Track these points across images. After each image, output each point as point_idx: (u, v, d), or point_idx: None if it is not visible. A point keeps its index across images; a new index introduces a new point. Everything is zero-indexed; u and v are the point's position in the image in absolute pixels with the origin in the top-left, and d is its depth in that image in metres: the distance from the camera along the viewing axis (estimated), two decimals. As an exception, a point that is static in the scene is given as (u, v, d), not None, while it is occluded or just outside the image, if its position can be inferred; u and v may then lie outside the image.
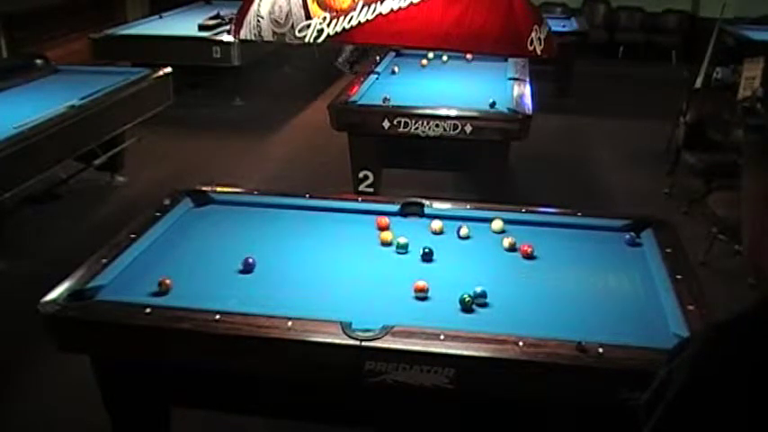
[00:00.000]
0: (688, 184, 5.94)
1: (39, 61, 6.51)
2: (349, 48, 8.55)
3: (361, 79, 5.78)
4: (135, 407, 2.78)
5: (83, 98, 5.11)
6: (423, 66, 6.43)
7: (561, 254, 3.05)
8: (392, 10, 3.58)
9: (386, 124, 4.89)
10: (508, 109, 4.98)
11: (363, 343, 2.34)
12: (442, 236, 3.19)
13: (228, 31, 7.33)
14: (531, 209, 3.41)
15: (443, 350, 2.32)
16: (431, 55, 6.52)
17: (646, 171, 6.56)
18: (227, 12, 8.14)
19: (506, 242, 3.09)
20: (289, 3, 3.70)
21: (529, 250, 3.02)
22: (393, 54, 6.59)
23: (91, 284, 2.63)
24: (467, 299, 2.58)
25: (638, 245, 3.10)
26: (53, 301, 2.53)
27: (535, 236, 3.14)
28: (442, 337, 2.35)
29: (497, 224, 3.23)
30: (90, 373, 2.72)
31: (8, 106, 5.03)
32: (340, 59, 9.12)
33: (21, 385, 3.68)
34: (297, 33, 3.71)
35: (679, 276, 2.75)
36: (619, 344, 2.32)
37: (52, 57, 7.03)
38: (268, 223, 3.30)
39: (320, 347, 2.37)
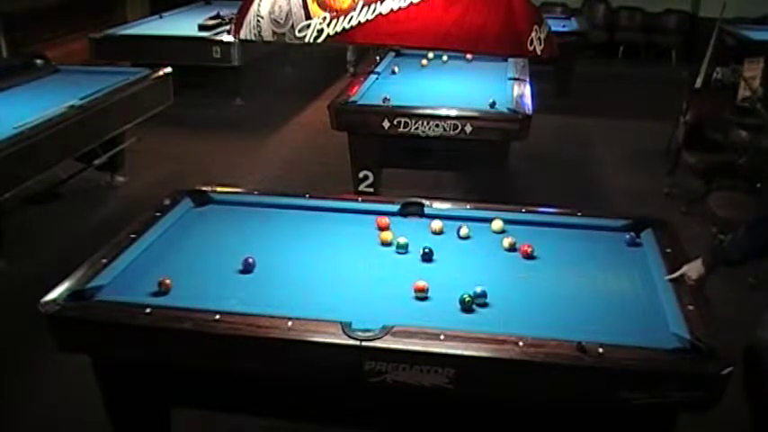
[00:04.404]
0: (688, 184, 5.94)
1: (39, 61, 6.50)
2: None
3: (361, 79, 5.78)
4: (135, 407, 2.79)
5: (83, 98, 5.11)
6: (423, 66, 6.43)
7: (561, 254, 3.05)
8: (392, 10, 3.58)
9: (386, 124, 4.89)
10: (508, 109, 4.98)
11: (363, 343, 2.34)
12: (442, 236, 3.19)
13: (228, 31, 7.33)
14: (531, 209, 3.41)
15: (443, 350, 2.32)
16: (431, 55, 6.52)
17: (646, 171, 6.56)
18: (227, 12, 8.14)
19: (506, 242, 3.09)
20: (289, 3, 3.69)
21: (529, 250, 3.02)
22: (393, 54, 6.59)
23: (91, 284, 2.63)
24: (467, 299, 2.58)
25: (638, 245, 3.10)
26: (53, 300, 2.54)
27: (535, 236, 3.14)
28: (441, 337, 2.35)
29: (497, 224, 3.23)
30: (90, 373, 2.72)
31: (8, 106, 5.03)
32: (348, 58, 9.27)
33: (21, 385, 3.68)
34: (297, 33, 3.71)
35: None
36: (619, 344, 2.32)
37: (52, 57, 7.02)
38: (268, 223, 3.31)
39: (320, 347, 2.37)
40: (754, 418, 2.99)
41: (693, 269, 2.70)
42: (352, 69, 9.32)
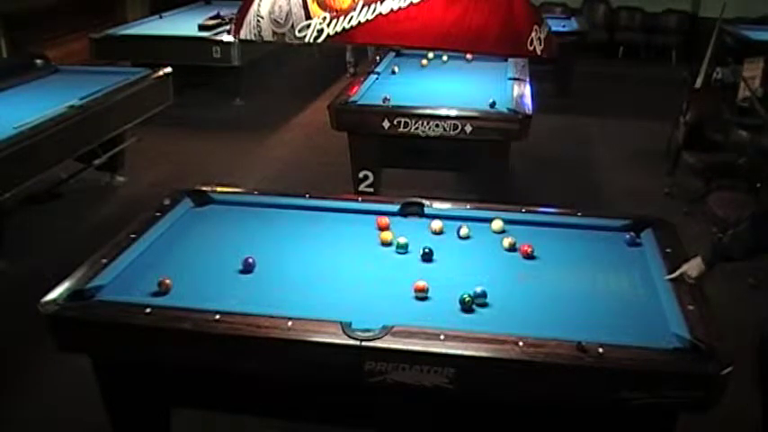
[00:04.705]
0: (688, 184, 5.94)
1: (39, 61, 6.50)
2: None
3: (362, 79, 5.78)
4: (135, 407, 2.79)
5: (83, 98, 5.11)
6: (423, 66, 6.43)
7: (561, 254, 3.05)
8: (392, 10, 3.57)
9: (386, 124, 4.89)
10: (508, 109, 4.98)
11: (363, 343, 2.34)
12: (441, 236, 3.19)
13: (228, 31, 7.33)
14: (531, 209, 3.41)
15: (443, 350, 2.32)
16: (431, 55, 6.52)
17: (646, 171, 6.56)
18: (227, 12, 8.14)
19: (506, 242, 3.09)
20: (289, 3, 3.69)
21: (529, 250, 3.02)
22: (393, 54, 6.59)
23: (91, 284, 2.63)
24: (467, 299, 2.58)
25: (638, 245, 3.10)
26: (53, 300, 2.54)
27: (535, 236, 3.14)
28: (442, 337, 2.35)
29: (497, 224, 3.23)
30: (90, 373, 2.72)
31: (8, 106, 5.03)
32: (348, 58, 9.29)
33: (21, 385, 3.68)
34: (297, 33, 3.71)
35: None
36: (619, 344, 2.32)
37: (52, 57, 7.03)
38: (268, 223, 3.31)
39: (320, 347, 2.37)
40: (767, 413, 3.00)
41: (693, 267, 2.70)
42: (352, 70, 9.32)
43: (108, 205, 5.80)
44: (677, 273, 2.72)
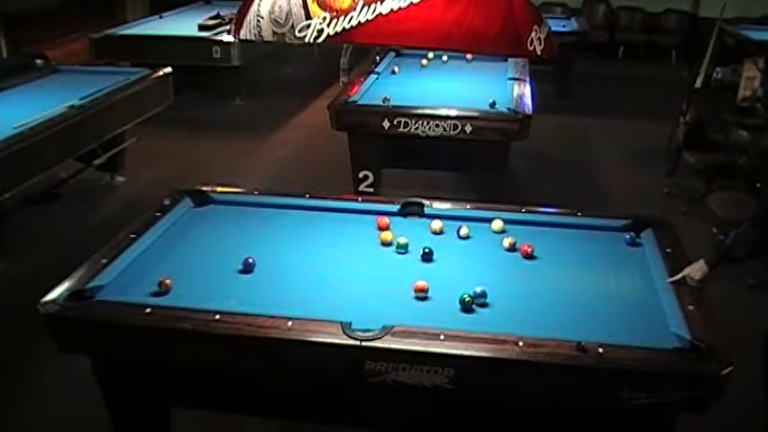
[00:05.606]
0: (688, 184, 5.94)
1: (39, 61, 6.51)
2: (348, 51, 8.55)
3: (362, 79, 5.78)
4: (135, 407, 2.79)
5: (83, 98, 5.11)
6: (423, 66, 6.43)
7: (561, 254, 3.05)
8: (392, 10, 3.58)
9: (386, 124, 4.89)
10: (508, 109, 4.98)
11: (363, 343, 2.34)
12: (441, 236, 3.19)
13: (228, 31, 7.33)
14: (530, 209, 3.41)
15: (443, 350, 2.32)
16: (431, 55, 6.52)
17: (646, 171, 6.56)
18: (227, 12, 8.14)
19: (506, 242, 3.09)
20: (289, 3, 3.70)
21: (529, 250, 3.02)
22: (393, 54, 6.59)
23: (91, 284, 2.63)
24: (467, 299, 2.58)
25: (638, 245, 3.10)
26: (53, 301, 2.54)
27: (535, 236, 3.14)
28: (441, 337, 2.35)
29: (497, 224, 3.23)
30: (90, 373, 2.72)
31: (8, 106, 5.03)
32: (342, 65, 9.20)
33: (21, 385, 3.68)
34: (297, 33, 3.71)
35: (679, 276, 2.74)
36: (619, 344, 2.32)
37: (52, 57, 7.03)
38: (268, 223, 3.31)
39: (320, 347, 2.37)
40: None
41: (696, 269, 2.70)
42: (344, 78, 9.20)
43: (108, 205, 5.80)
44: (679, 275, 2.72)
